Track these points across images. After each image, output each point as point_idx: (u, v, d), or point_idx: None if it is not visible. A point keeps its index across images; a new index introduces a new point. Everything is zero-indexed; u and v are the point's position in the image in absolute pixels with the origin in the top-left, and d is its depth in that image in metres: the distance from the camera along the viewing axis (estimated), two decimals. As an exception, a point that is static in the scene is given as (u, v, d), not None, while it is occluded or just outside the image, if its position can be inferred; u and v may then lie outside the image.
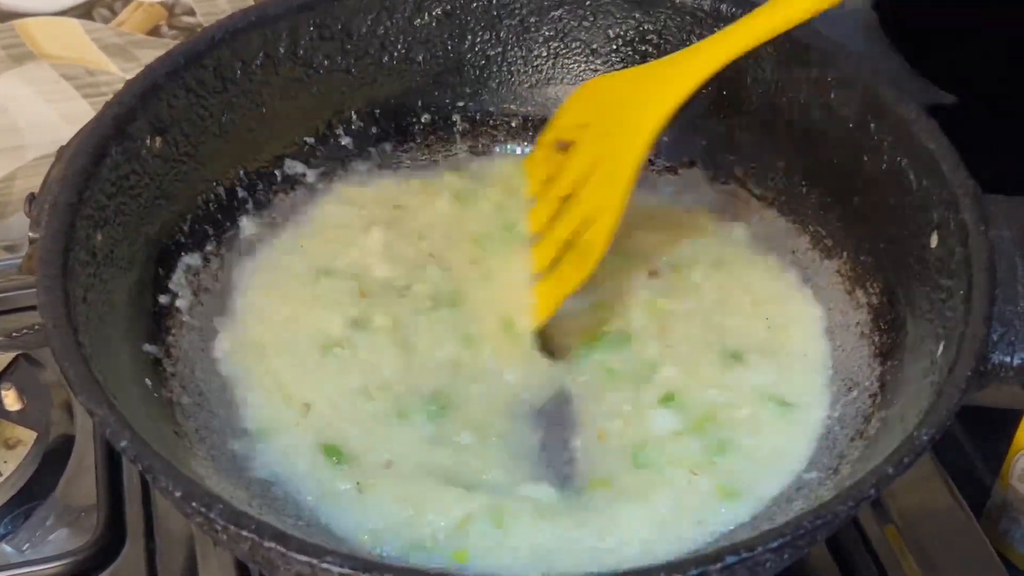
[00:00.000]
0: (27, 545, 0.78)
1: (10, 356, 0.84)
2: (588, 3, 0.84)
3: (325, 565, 0.54)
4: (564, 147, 0.77)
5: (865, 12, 1.17)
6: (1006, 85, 1.12)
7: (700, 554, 0.55)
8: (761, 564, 0.56)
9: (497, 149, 0.87)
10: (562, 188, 0.76)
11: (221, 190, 0.79)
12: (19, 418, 0.82)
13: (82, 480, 0.81)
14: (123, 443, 0.57)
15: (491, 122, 0.87)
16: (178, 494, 0.56)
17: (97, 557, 0.78)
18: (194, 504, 0.56)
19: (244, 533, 0.55)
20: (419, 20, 0.83)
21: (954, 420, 0.90)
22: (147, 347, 0.72)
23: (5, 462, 0.80)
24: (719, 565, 0.54)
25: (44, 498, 0.79)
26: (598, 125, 0.75)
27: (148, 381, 0.70)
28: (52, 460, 0.81)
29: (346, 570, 0.53)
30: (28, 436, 0.81)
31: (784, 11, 0.70)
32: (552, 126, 0.79)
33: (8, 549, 0.77)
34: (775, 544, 0.54)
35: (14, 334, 0.80)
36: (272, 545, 0.54)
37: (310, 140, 0.83)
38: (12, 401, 0.82)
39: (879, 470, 0.57)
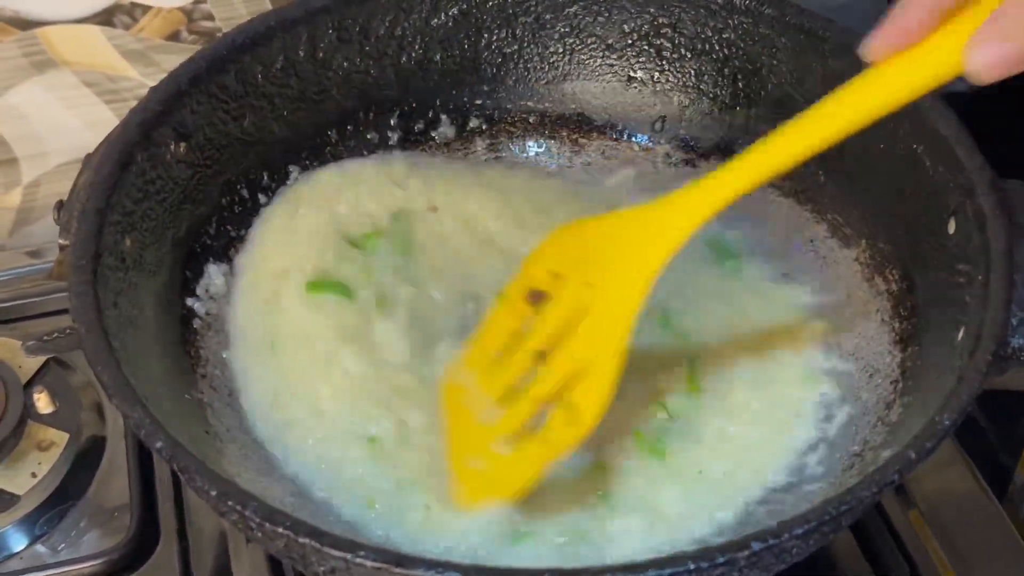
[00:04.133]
0: (62, 546, 0.79)
1: (41, 360, 0.85)
2: (603, -1, 0.85)
3: (359, 560, 0.54)
4: (536, 298, 0.71)
5: (875, 1, 1.17)
6: (1019, 73, 1.12)
7: (727, 542, 0.55)
8: (787, 551, 0.56)
9: (514, 146, 0.88)
10: (537, 342, 0.70)
11: (245, 192, 0.80)
12: (51, 420, 0.83)
13: (114, 480, 0.82)
14: (158, 444, 0.58)
15: (509, 119, 0.88)
16: (213, 493, 0.57)
17: (131, 556, 0.79)
18: (230, 503, 0.57)
19: (279, 530, 0.56)
20: (436, 20, 0.84)
21: (975, 405, 0.92)
22: (176, 349, 0.73)
23: (39, 464, 0.81)
24: (746, 552, 0.54)
25: (78, 499, 0.80)
26: (579, 275, 0.69)
27: (178, 383, 0.71)
28: (84, 462, 0.82)
29: (379, 564, 0.54)
30: (60, 438, 0.82)
31: (814, 132, 0.63)
32: (522, 275, 0.72)
33: (43, 550, 0.78)
34: (800, 531, 0.55)
35: (44, 338, 0.81)
36: (307, 541, 0.55)
37: (331, 142, 0.84)
38: (44, 404, 0.83)
39: (902, 455, 0.58)
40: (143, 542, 0.79)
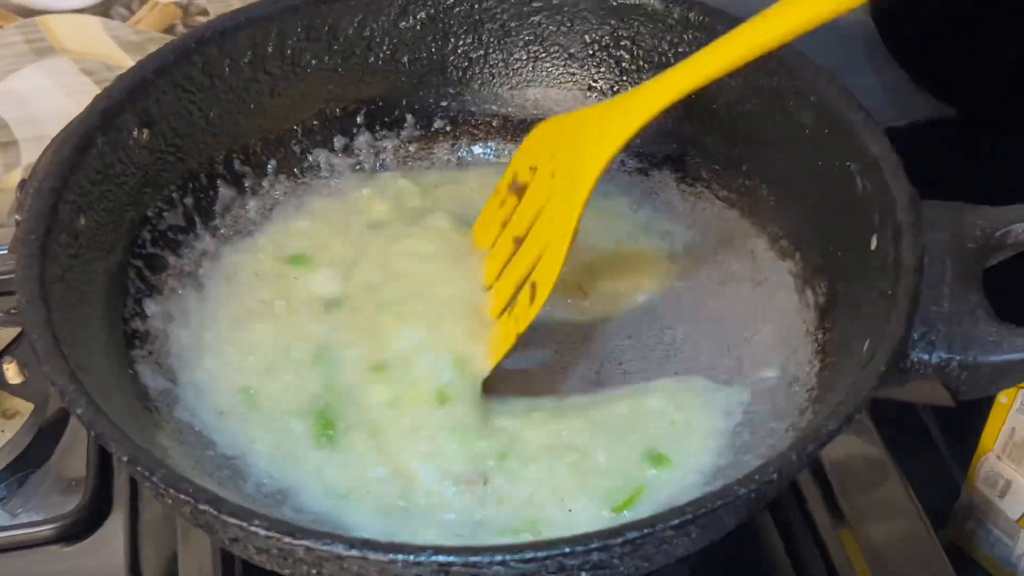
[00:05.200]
0: (20, 510, 0.82)
1: (14, 333, 0.89)
2: (566, 9, 0.87)
3: (253, 528, 0.57)
4: (519, 190, 0.79)
5: (865, 26, 1.18)
6: (1008, 98, 1.13)
7: (602, 529, 0.57)
8: (667, 541, 0.58)
9: (477, 148, 0.91)
10: (516, 230, 0.78)
11: (205, 180, 0.83)
12: (19, 391, 0.86)
13: (75, 452, 0.85)
14: (79, 410, 0.61)
15: (473, 122, 0.90)
16: (124, 458, 0.60)
17: (84, 523, 0.82)
18: (139, 468, 0.60)
19: (182, 496, 0.59)
20: (404, 23, 0.87)
21: (933, 421, 0.93)
22: (126, 326, 0.76)
23: (2, 431, 0.84)
24: (620, 539, 0.57)
25: (38, 467, 0.84)
26: (547, 166, 0.77)
27: (121, 357, 0.74)
28: (49, 432, 0.86)
29: (272, 533, 0.57)
30: (26, 408, 0.85)
31: (732, 51, 0.70)
32: (509, 169, 0.80)
33: (2, 512, 0.82)
34: (675, 522, 0.57)
35: (12, 311, 0.84)
36: (206, 508, 0.58)
37: (297, 135, 0.87)
38: (13, 374, 0.87)
39: (784, 455, 0.60)
40: (96, 512, 0.82)
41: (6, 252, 0.96)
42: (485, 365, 0.75)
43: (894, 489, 0.84)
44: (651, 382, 0.77)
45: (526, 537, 0.68)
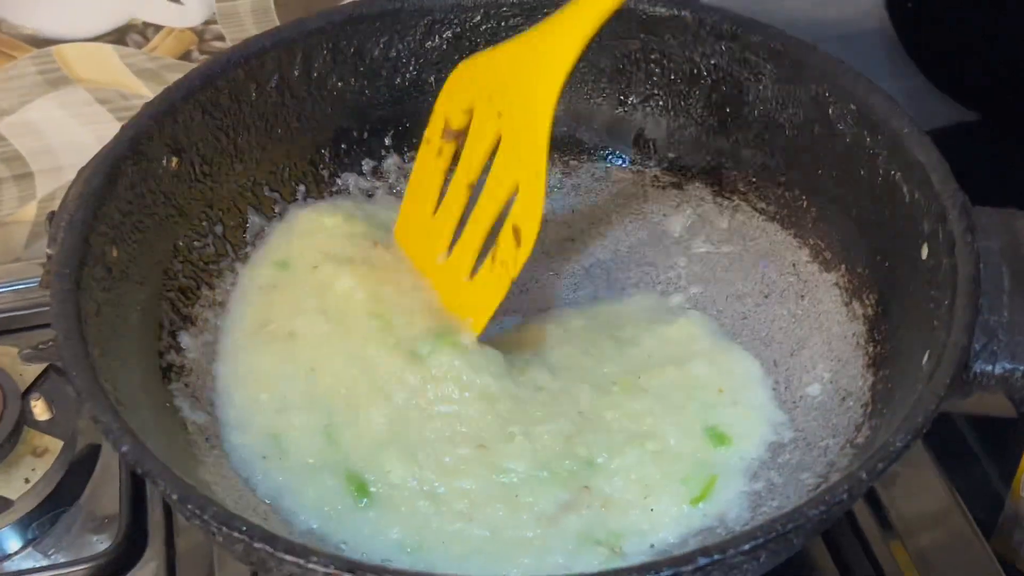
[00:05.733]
0: (53, 550, 0.80)
1: (40, 368, 0.87)
2: (594, 24, 0.86)
3: (312, 565, 0.56)
4: (453, 136, 0.77)
5: (885, 31, 1.17)
6: (1028, 103, 1.12)
7: (671, 555, 0.56)
8: (737, 567, 0.57)
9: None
10: (468, 175, 0.76)
11: (235, 207, 0.82)
12: (47, 428, 0.85)
13: (107, 488, 0.83)
14: (124, 448, 0.60)
15: (500, 140, 0.89)
16: (175, 497, 0.58)
17: (119, 562, 0.80)
18: (190, 507, 0.58)
19: (235, 535, 0.57)
20: (430, 43, 0.86)
21: (970, 433, 0.92)
22: (161, 359, 0.74)
23: (33, 469, 0.83)
24: (691, 567, 0.55)
25: (70, 505, 0.82)
26: (487, 107, 0.74)
27: (159, 392, 0.72)
28: (78, 469, 0.84)
29: (331, 570, 0.56)
30: (55, 445, 0.84)
31: None
32: (435, 116, 0.78)
33: (35, 553, 0.80)
34: (747, 547, 0.56)
35: (40, 346, 0.82)
36: (261, 546, 0.56)
37: (324, 159, 0.86)
38: (41, 411, 0.85)
39: (853, 476, 0.58)
40: (131, 549, 0.81)
41: (27, 286, 0.96)
42: (471, 328, 0.75)
43: (942, 499, 0.83)
44: None
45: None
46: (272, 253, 0.82)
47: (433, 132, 0.78)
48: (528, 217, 0.72)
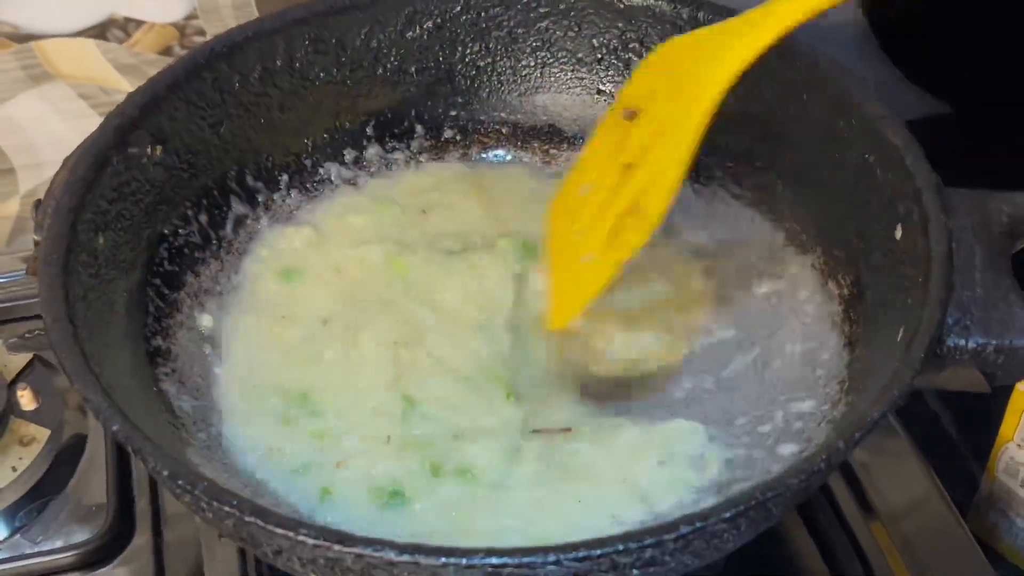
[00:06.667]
0: (40, 538, 0.81)
1: (26, 359, 0.88)
2: (573, 14, 0.87)
3: (301, 537, 0.57)
4: (631, 115, 0.74)
5: (858, 24, 1.18)
6: (1001, 94, 1.14)
7: (656, 524, 0.57)
8: (718, 535, 0.58)
9: (487, 156, 0.90)
10: (626, 156, 0.73)
11: (219, 196, 0.83)
12: (34, 417, 0.85)
13: (94, 476, 0.84)
14: (115, 427, 0.61)
15: (482, 130, 0.90)
16: (165, 473, 0.59)
17: (106, 548, 0.81)
18: (180, 482, 0.59)
19: (226, 509, 0.58)
20: (411, 33, 0.86)
21: (944, 413, 0.93)
22: (147, 344, 0.75)
23: (20, 458, 0.83)
24: (674, 535, 0.56)
25: (57, 494, 0.83)
26: (664, 91, 0.72)
27: (147, 375, 0.73)
28: (65, 457, 0.85)
29: (320, 542, 0.56)
30: (42, 434, 0.85)
31: None
32: (620, 95, 0.76)
33: (23, 541, 0.81)
34: (728, 515, 0.57)
35: (26, 335, 0.83)
36: (252, 519, 0.57)
37: (308, 149, 0.87)
38: (28, 401, 0.86)
39: (831, 445, 0.60)
40: (119, 536, 0.82)
41: (11, 279, 0.96)
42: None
43: (921, 481, 0.84)
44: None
45: None
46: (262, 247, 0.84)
47: (616, 107, 0.76)
48: (656, 201, 0.70)
